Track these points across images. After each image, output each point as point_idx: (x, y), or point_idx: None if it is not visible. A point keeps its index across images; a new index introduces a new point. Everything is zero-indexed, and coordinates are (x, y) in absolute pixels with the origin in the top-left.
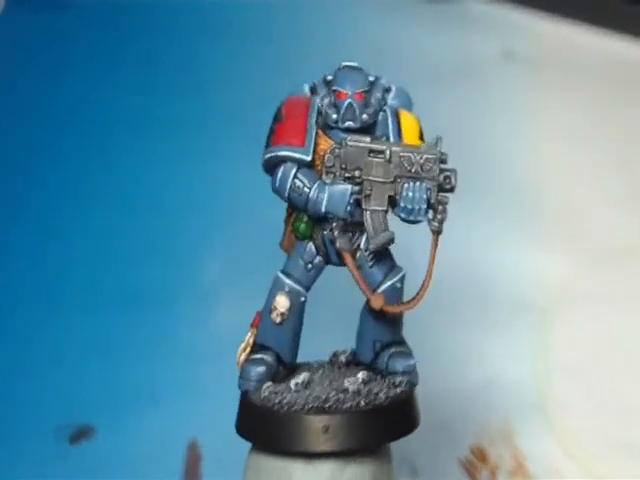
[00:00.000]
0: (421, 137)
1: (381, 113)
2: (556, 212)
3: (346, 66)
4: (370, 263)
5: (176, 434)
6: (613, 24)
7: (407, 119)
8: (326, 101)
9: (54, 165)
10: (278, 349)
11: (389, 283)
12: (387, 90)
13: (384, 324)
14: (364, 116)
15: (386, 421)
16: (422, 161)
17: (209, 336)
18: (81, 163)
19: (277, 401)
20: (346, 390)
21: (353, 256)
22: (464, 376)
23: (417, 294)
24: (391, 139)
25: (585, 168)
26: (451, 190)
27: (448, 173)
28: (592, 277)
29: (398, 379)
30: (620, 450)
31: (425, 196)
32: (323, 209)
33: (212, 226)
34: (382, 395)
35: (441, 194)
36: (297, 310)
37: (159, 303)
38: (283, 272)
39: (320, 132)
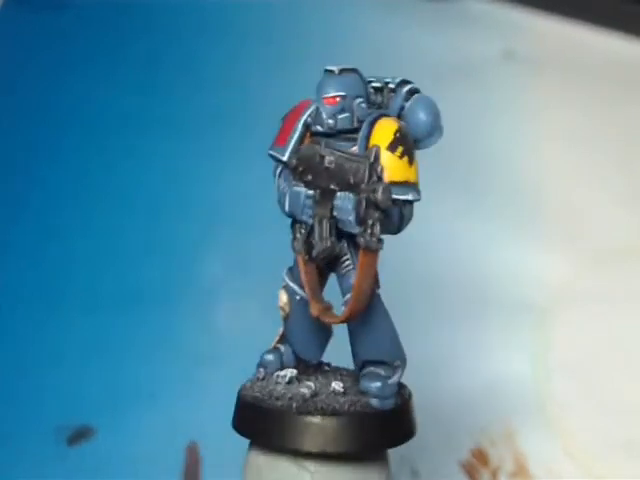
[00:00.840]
0: (391, 148)
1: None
2: (556, 212)
3: (326, 70)
4: (346, 269)
5: (176, 435)
6: (614, 23)
7: (382, 127)
8: None
9: (54, 165)
10: (291, 343)
11: (351, 294)
12: (410, 95)
13: (364, 341)
14: (330, 121)
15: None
16: (354, 170)
17: (209, 336)
18: (81, 163)
19: (259, 391)
20: (297, 394)
21: (306, 260)
22: (464, 376)
23: (345, 310)
24: (357, 147)
25: (585, 168)
26: (377, 206)
27: (375, 186)
28: (592, 277)
29: (356, 398)
30: (620, 450)
31: (350, 207)
32: (286, 209)
33: (212, 226)
34: (323, 406)
35: (374, 209)
36: (295, 307)
37: (159, 303)
38: (289, 268)
39: (308, 134)
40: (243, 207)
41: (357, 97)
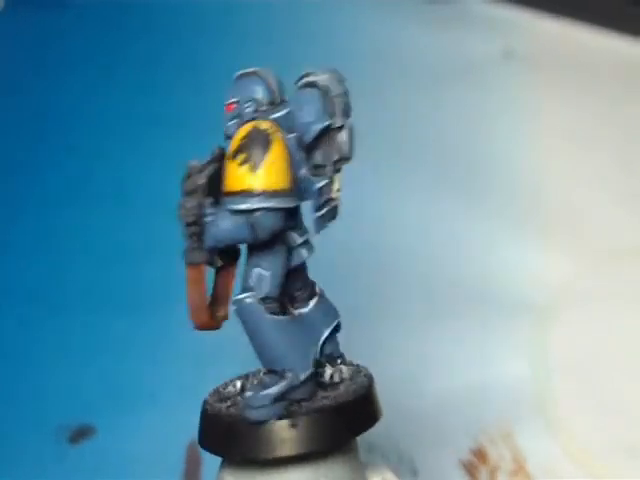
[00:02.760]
0: (233, 156)
1: None
2: (556, 212)
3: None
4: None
5: (176, 435)
6: (613, 23)
7: (235, 136)
8: None
9: (54, 165)
10: None
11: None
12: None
13: (255, 351)
14: (224, 129)
15: None
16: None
17: (209, 336)
18: (81, 163)
19: (214, 389)
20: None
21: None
22: (464, 376)
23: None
24: None
25: (585, 168)
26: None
27: (181, 202)
28: (592, 277)
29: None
30: (620, 450)
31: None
32: None
33: None
34: (218, 408)
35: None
36: None
37: (159, 303)
38: None
39: None
40: None
41: (248, 101)
